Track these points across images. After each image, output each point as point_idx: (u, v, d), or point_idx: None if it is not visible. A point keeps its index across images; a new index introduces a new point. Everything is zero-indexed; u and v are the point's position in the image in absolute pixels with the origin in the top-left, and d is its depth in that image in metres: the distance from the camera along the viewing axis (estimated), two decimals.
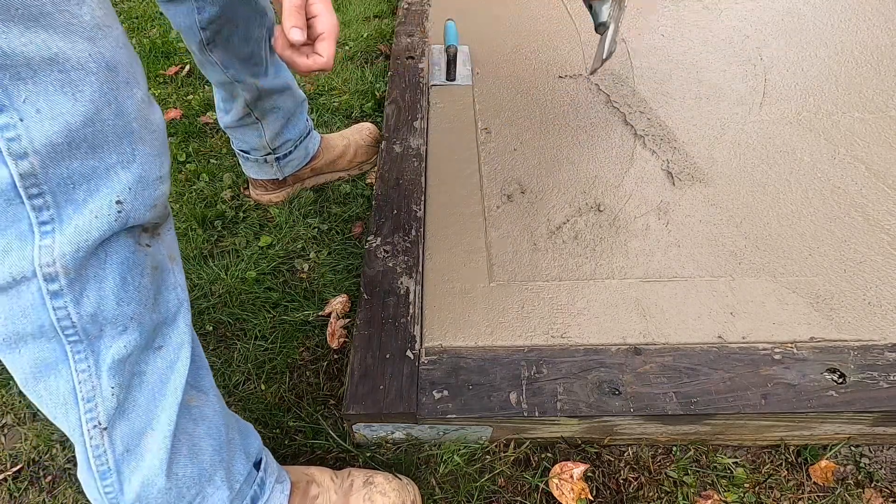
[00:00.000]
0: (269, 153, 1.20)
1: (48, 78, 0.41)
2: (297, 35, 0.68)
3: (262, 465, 0.73)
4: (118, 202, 0.47)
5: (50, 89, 0.42)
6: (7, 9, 0.39)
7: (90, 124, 0.44)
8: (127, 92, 0.47)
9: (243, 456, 0.69)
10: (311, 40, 0.71)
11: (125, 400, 0.55)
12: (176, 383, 0.58)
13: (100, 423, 0.55)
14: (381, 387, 0.85)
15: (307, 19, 0.71)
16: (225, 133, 1.33)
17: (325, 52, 0.70)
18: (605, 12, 1.08)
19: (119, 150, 0.47)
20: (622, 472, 0.87)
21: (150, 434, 0.58)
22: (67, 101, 0.42)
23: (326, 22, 0.70)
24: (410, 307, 0.94)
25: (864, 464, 0.88)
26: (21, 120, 0.41)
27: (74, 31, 0.42)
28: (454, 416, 0.82)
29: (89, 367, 0.52)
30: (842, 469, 0.87)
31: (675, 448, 0.89)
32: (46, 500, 0.88)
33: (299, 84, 1.42)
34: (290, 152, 1.22)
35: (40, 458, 0.92)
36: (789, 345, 0.89)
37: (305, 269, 1.16)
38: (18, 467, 0.91)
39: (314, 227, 1.23)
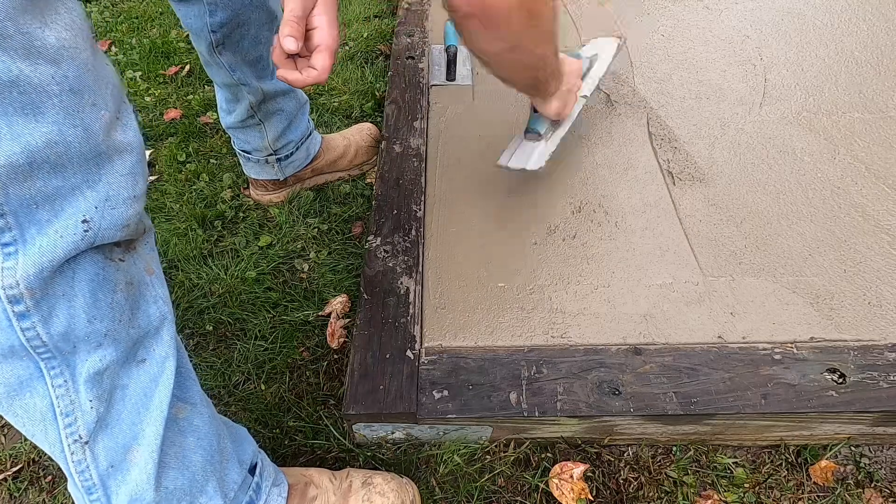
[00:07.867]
0: (271, 154, 1.20)
1: (8, 99, 0.40)
2: (291, 44, 0.68)
3: (258, 470, 0.72)
4: (84, 221, 0.46)
5: (10, 111, 0.41)
6: None
7: (52, 146, 0.43)
8: (94, 114, 0.46)
9: (236, 463, 0.69)
10: (309, 52, 0.71)
11: (107, 414, 0.55)
12: (161, 396, 0.58)
13: (80, 438, 0.54)
14: (381, 387, 0.85)
15: (308, 30, 0.71)
16: (226, 133, 1.33)
17: (320, 64, 0.69)
18: (543, 124, 1.04)
19: (84, 171, 0.46)
20: (622, 472, 0.87)
21: (136, 448, 0.57)
22: (28, 123, 0.42)
23: (326, 35, 0.70)
24: (410, 307, 0.94)
25: (864, 464, 0.88)
26: None
27: (36, 54, 0.41)
28: (454, 415, 0.82)
29: (66, 381, 0.51)
30: (842, 469, 0.87)
31: (675, 448, 0.89)
32: (46, 500, 0.88)
33: None
34: (292, 153, 1.22)
35: (40, 457, 0.92)
36: (789, 345, 0.89)
37: (305, 269, 1.16)
38: (18, 467, 0.91)
39: (314, 227, 1.23)
